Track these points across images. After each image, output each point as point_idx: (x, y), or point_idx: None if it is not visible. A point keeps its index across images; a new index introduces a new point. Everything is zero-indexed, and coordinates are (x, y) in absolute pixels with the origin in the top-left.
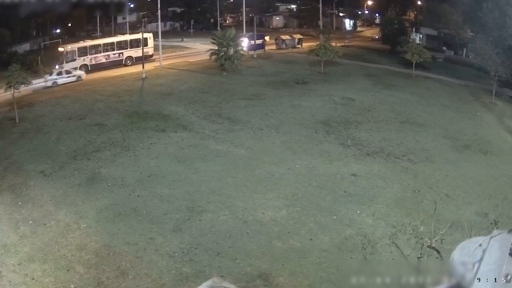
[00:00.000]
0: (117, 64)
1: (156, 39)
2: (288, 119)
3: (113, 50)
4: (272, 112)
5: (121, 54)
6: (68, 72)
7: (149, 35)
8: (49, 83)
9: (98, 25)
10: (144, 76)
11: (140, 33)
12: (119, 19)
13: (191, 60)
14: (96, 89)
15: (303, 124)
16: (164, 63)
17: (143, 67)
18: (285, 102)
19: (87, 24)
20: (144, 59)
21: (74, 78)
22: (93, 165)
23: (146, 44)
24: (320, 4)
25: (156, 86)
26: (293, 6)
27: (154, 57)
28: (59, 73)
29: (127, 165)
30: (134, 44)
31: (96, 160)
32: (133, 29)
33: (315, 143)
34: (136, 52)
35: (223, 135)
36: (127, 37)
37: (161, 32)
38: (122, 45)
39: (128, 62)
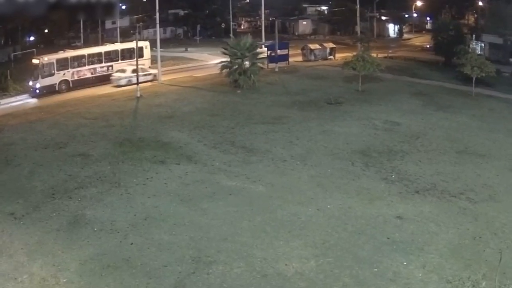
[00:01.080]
0: (105, 79)
1: (154, 48)
2: (318, 148)
3: (100, 62)
4: (298, 140)
5: (110, 68)
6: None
7: (145, 44)
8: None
9: (81, 31)
10: (138, 95)
11: (134, 42)
12: (108, 24)
13: (197, 75)
14: (79, 111)
15: (336, 155)
16: (164, 78)
17: (137, 84)
18: (314, 127)
19: (68, 31)
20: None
21: (149, 77)
22: (76, 205)
23: (141, 55)
24: (358, 5)
25: (154, 107)
26: (324, 7)
27: (151, 72)
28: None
29: (118, 205)
30: (127, 55)
31: (79, 199)
32: (125, 36)
33: (351, 178)
34: (129, 65)
35: (237, 168)
36: (118, 46)
37: (160, 40)
38: (111, 57)
39: None
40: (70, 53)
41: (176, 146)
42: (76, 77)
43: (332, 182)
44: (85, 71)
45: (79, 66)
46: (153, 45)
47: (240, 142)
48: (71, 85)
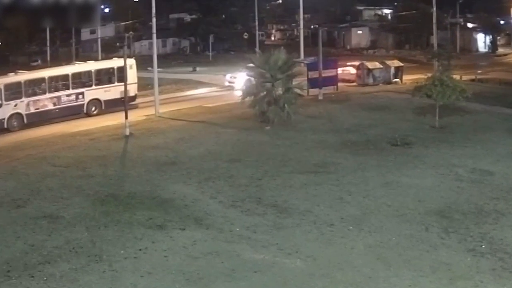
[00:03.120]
0: (74, 112)
1: (149, 67)
2: (378, 207)
3: (67, 88)
4: (350, 196)
5: (80, 96)
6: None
7: (129, 62)
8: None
9: (48, 44)
10: (127, 133)
11: (114, 59)
12: (85, 34)
13: (210, 105)
14: (45, 155)
15: (403, 216)
16: (163, 109)
17: (126, 117)
18: (373, 177)
19: (29, 42)
20: (120, 104)
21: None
22: (40, 287)
23: (121, 78)
24: (434, 7)
25: (149, 149)
26: (387, 10)
27: (139, 101)
28: None
29: (99, 287)
30: (104, 77)
31: (45, 279)
32: (109, 51)
33: (424, 249)
34: (107, 92)
35: (265, 234)
36: (91, 66)
37: (159, 55)
38: (82, 80)
39: (93, 109)
40: (24, 76)
41: (180, 205)
42: (32, 110)
43: (398, 254)
44: (46, 101)
45: (37, 94)
46: (147, 63)
47: (270, 199)
48: (25, 120)
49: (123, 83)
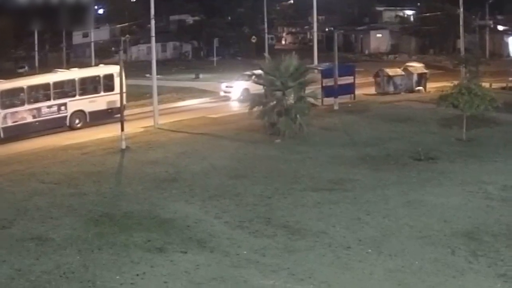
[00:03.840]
0: (55, 125)
1: (148, 74)
2: (399, 228)
3: (48, 99)
4: (369, 215)
5: (62, 107)
6: None
7: (116, 70)
8: None
9: (36, 48)
10: (124, 147)
11: (101, 67)
12: (77, 38)
13: (214, 116)
14: (33, 171)
15: (427, 238)
16: (163, 120)
17: (122, 129)
18: (394, 195)
19: (16, 47)
20: (107, 116)
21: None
22: None
23: (108, 88)
24: (461, 9)
25: (147, 164)
26: (409, 12)
27: (137, 111)
28: None
29: None
30: (89, 87)
31: None
32: (103, 56)
33: (450, 274)
34: (92, 103)
35: (276, 258)
36: (75, 74)
37: (158, 61)
38: (65, 90)
39: (77, 121)
40: (0, 86)
41: (182, 225)
42: (10, 123)
43: (421, 280)
44: (25, 113)
45: (14, 105)
46: (145, 69)
47: (280, 219)
48: (2, 134)
49: (110, 93)
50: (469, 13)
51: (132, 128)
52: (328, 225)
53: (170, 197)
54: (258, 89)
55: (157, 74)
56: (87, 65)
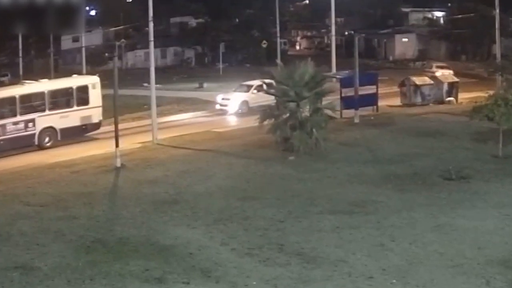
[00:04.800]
0: (22, 144)
1: (145, 83)
2: (428, 255)
3: (14, 114)
4: (394, 242)
5: (30, 124)
6: None
7: (91, 81)
8: None
9: (20, 54)
10: (118, 164)
11: (74, 77)
12: (66, 43)
13: (220, 130)
14: (17, 192)
15: (459, 267)
16: (163, 135)
17: (116, 145)
18: (421, 219)
19: None
20: (80, 133)
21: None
22: None
23: (83, 101)
24: (497, 10)
25: (145, 184)
26: (439, 13)
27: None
28: None
29: None
30: (61, 100)
31: None
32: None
33: None
34: (64, 119)
35: None
36: (44, 86)
37: (157, 68)
38: (33, 104)
39: (46, 140)
40: None
41: (184, 253)
42: None
43: None
44: None
45: None
46: (143, 78)
47: (294, 246)
48: None
49: (84, 107)
50: (506, 14)
51: (128, 143)
52: (347, 253)
53: (171, 221)
54: (259, 101)
55: (156, 83)
56: (78, 72)
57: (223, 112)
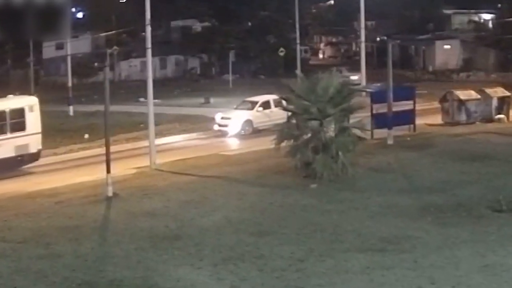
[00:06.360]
0: None
1: (142, 98)
2: None
3: None
4: (434, 284)
5: None
6: None
7: (28, 103)
8: None
9: None
10: (110, 194)
11: (9, 98)
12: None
13: (229, 153)
14: None
15: None
16: (162, 159)
17: (108, 171)
18: (466, 257)
19: None
20: (15, 165)
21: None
22: None
23: (17, 127)
24: None
25: (141, 217)
26: (487, 16)
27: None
28: None
29: None
30: None
31: None
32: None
33: None
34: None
35: None
36: None
37: (156, 80)
38: None
39: None
40: None
41: None
42: None
43: None
44: None
45: None
46: (138, 92)
47: None
48: None
49: (19, 134)
50: None
51: (121, 169)
52: None
53: (172, 260)
54: (264, 121)
55: (155, 98)
56: (62, 84)
57: (222, 134)
